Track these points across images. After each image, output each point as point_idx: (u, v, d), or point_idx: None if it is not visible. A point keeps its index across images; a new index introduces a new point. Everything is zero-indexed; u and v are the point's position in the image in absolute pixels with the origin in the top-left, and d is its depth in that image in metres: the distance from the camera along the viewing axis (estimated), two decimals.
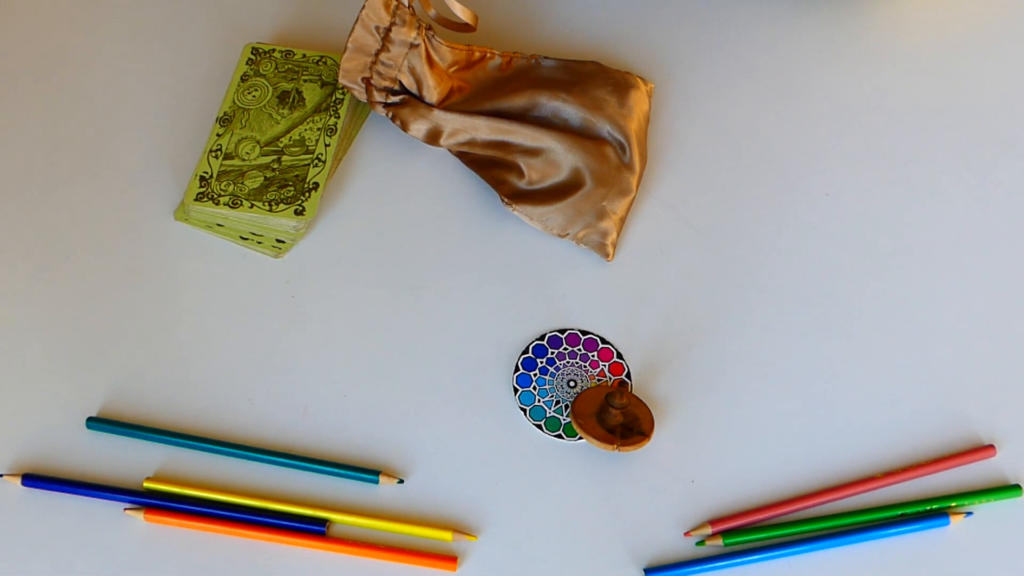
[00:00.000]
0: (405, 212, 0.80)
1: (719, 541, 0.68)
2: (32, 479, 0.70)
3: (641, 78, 0.81)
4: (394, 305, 0.76)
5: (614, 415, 0.69)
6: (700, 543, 0.68)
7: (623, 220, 0.78)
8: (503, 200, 0.78)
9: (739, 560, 0.67)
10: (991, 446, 0.71)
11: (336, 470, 0.70)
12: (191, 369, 0.74)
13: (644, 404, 0.71)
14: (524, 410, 0.72)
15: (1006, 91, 0.84)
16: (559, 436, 0.71)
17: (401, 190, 0.80)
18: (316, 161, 0.78)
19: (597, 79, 0.80)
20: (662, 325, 0.75)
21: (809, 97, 0.84)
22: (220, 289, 0.77)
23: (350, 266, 0.78)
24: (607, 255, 0.77)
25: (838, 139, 0.82)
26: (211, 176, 0.78)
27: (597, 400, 0.71)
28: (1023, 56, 0.86)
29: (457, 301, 0.76)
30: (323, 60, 0.83)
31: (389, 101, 0.78)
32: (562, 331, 0.74)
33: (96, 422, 0.72)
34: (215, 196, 0.77)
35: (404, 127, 0.79)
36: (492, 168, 0.79)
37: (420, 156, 0.82)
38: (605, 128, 0.78)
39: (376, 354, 0.74)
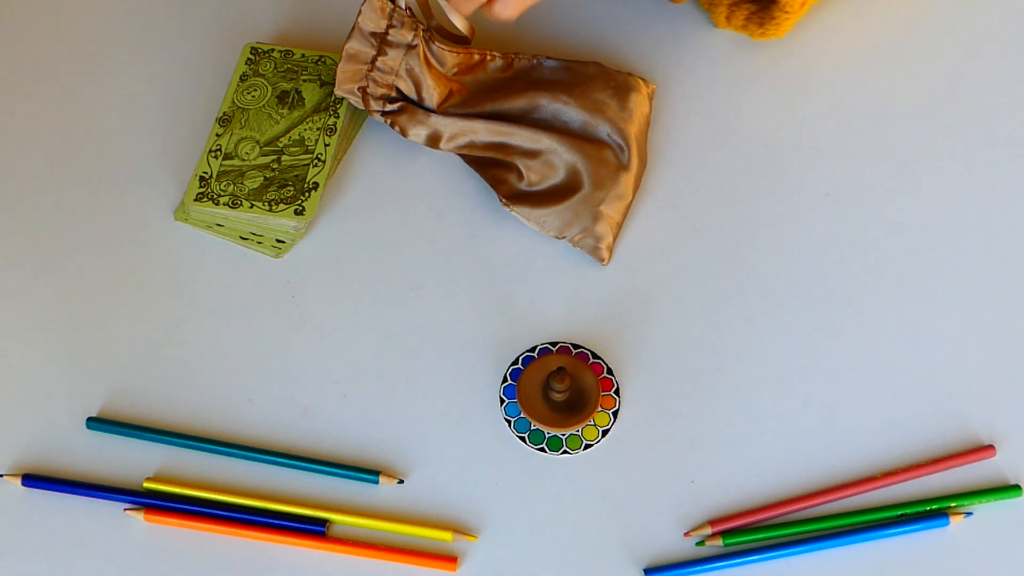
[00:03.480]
0: (405, 212, 0.80)
1: (719, 541, 0.68)
2: (32, 479, 0.70)
3: (643, 79, 0.81)
4: (394, 305, 0.76)
5: (557, 395, 0.69)
6: (700, 543, 0.68)
7: (620, 224, 0.78)
8: (501, 201, 0.78)
9: (739, 560, 0.67)
10: (991, 446, 0.71)
11: (336, 470, 0.70)
12: (191, 369, 0.74)
13: (590, 372, 0.71)
14: (509, 422, 0.72)
15: (1006, 90, 0.84)
16: (542, 450, 0.71)
17: (401, 190, 0.80)
18: (316, 161, 0.78)
19: (598, 80, 0.80)
20: (662, 325, 0.75)
21: (809, 97, 0.84)
22: (220, 289, 0.77)
23: (350, 266, 0.78)
24: (602, 259, 0.77)
25: (838, 139, 0.82)
26: (211, 176, 0.77)
27: (540, 379, 0.71)
28: (1022, 55, 0.86)
29: (457, 301, 0.76)
30: (322, 60, 0.83)
31: (387, 109, 0.78)
32: (553, 344, 0.73)
33: (96, 422, 0.72)
34: (215, 196, 0.77)
35: (403, 133, 0.79)
36: (492, 168, 0.79)
37: (420, 157, 0.82)
38: (605, 130, 0.78)
39: (376, 354, 0.74)
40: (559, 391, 0.69)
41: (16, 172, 0.81)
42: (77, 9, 0.88)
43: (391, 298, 0.76)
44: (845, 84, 0.84)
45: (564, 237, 0.77)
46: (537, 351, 0.73)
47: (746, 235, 0.78)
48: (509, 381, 0.72)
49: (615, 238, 0.77)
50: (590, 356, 0.73)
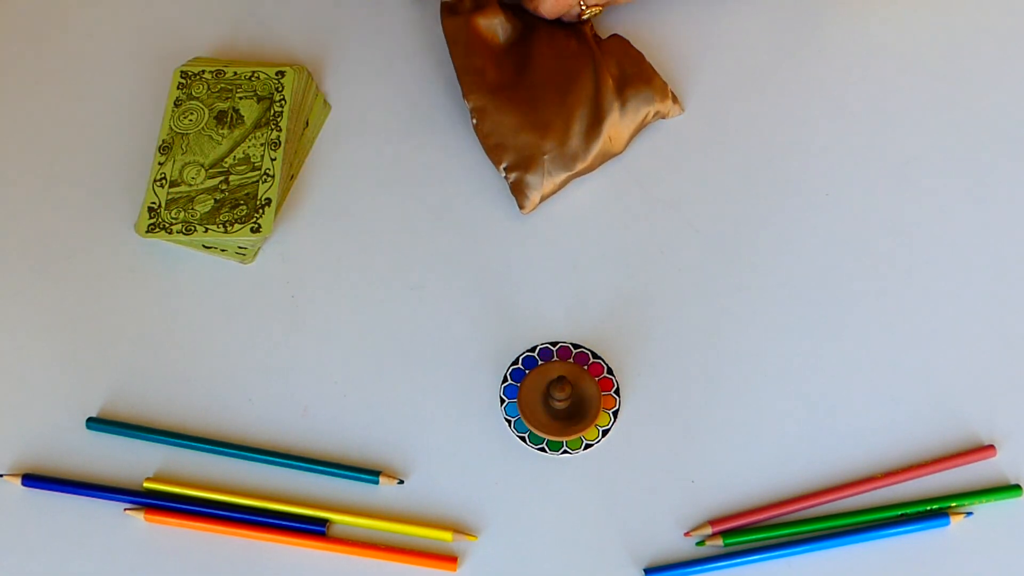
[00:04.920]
0: (404, 212, 0.80)
1: (719, 541, 0.68)
2: (32, 479, 0.70)
3: (675, 96, 0.81)
4: (394, 305, 0.76)
5: (558, 403, 0.69)
6: (700, 543, 0.68)
7: (554, 191, 0.78)
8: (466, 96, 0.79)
9: (739, 560, 0.68)
10: (991, 446, 0.71)
11: (336, 470, 0.70)
12: (191, 369, 0.74)
13: (592, 381, 0.71)
14: (509, 422, 0.71)
15: (1006, 90, 0.84)
16: (542, 449, 0.70)
17: (400, 190, 0.80)
18: (265, 177, 0.77)
19: (628, 58, 0.81)
20: (662, 324, 0.75)
21: (809, 97, 0.84)
22: (220, 289, 0.77)
23: (349, 266, 0.78)
24: (522, 206, 0.78)
25: (838, 139, 0.82)
26: (159, 206, 0.76)
27: (540, 387, 0.71)
28: (1023, 55, 0.86)
29: (457, 301, 0.76)
30: (255, 75, 0.81)
31: None
32: (553, 343, 0.73)
33: (96, 422, 0.72)
34: (167, 225, 0.75)
35: None
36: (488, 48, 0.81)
37: (419, 156, 0.82)
38: (592, 90, 0.79)
39: (376, 354, 0.74)
40: (560, 399, 0.69)
41: (15, 173, 0.81)
42: (76, 10, 0.88)
43: (391, 298, 0.76)
44: (845, 83, 0.84)
45: (500, 167, 0.78)
46: (537, 351, 0.73)
47: (746, 235, 0.78)
48: (509, 381, 0.72)
49: (542, 200, 0.78)
50: (590, 356, 0.73)
